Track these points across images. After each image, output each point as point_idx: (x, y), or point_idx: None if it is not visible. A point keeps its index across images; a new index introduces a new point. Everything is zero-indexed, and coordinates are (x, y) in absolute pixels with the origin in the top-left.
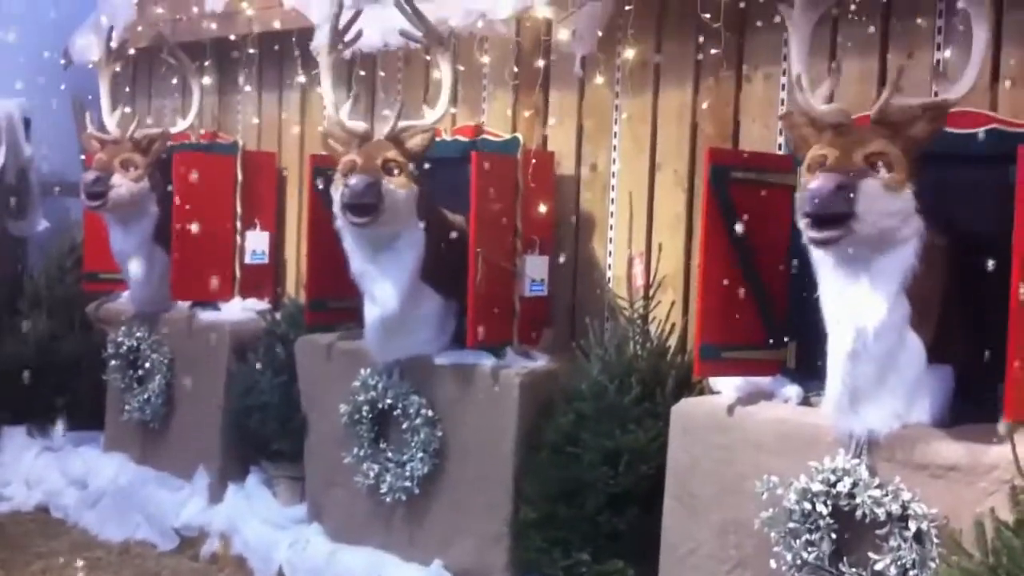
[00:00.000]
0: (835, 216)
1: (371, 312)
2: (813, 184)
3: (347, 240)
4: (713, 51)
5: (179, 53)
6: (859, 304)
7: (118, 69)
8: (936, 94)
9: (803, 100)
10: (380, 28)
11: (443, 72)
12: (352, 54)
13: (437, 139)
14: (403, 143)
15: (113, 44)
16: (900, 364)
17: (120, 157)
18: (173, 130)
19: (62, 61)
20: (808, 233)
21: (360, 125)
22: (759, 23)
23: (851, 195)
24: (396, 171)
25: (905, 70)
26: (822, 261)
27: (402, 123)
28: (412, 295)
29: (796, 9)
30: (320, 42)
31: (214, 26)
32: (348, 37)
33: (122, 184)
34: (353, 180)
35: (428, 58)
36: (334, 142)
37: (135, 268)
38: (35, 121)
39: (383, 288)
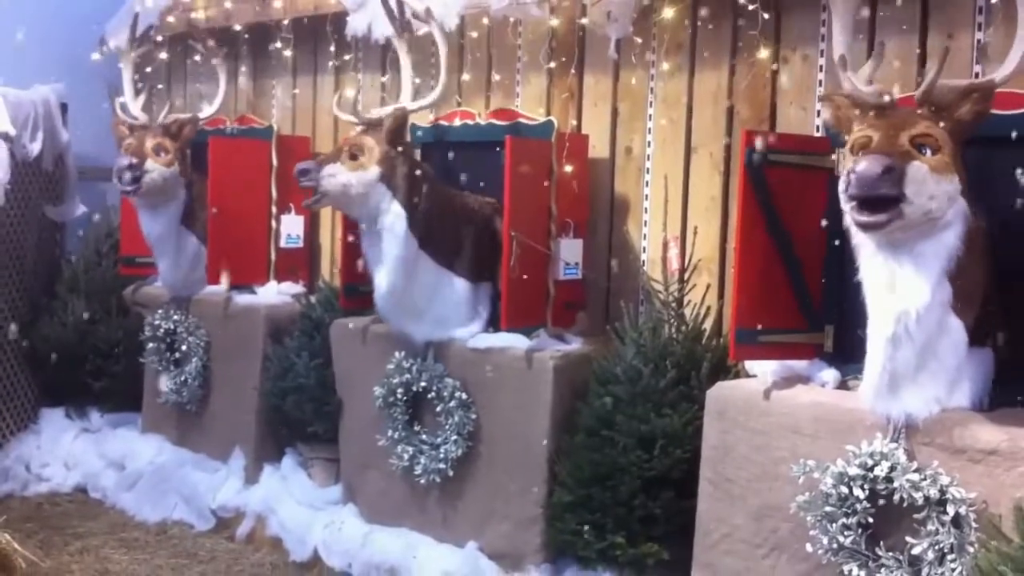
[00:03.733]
0: (882, 198)
1: (376, 295)
2: (860, 166)
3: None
4: (750, 32)
5: (206, 39)
6: (902, 288)
7: (140, 56)
8: (977, 75)
9: (847, 81)
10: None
11: (401, 61)
12: (385, 38)
13: (471, 123)
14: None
15: (138, 31)
16: (941, 348)
17: (152, 142)
18: (201, 115)
19: (98, 47)
20: (855, 217)
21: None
22: (796, 3)
23: (899, 178)
24: (358, 155)
25: (949, 51)
26: (863, 244)
27: (381, 110)
28: (406, 273)
29: None
30: (387, 31)
31: (248, 11)
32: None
33: (154, 169)
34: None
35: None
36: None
37: (164, 251)
38: (72, 107)
39: (378, 271)
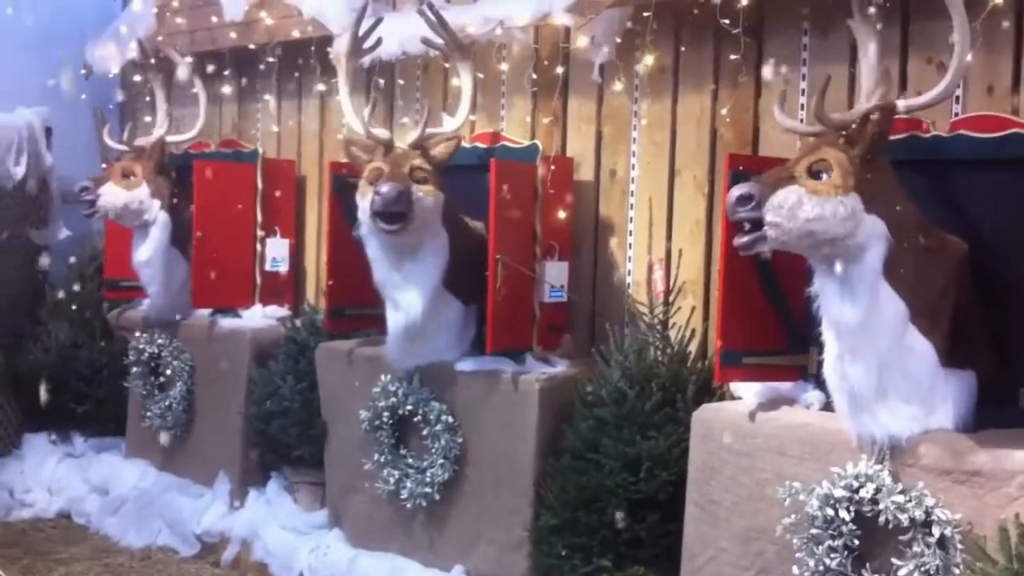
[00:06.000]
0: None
1: (394, 319)
2: (383, 188)
3: (371, 248)
4: (732, 56)
5: (176, 56)
6: (838, 308)
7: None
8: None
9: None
10: (399, 36)
11: (463, 80)
12: (371, 62)
13: None
14: (428, 151)
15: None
16: (908, 367)
17: (121, 166)
18: (171, 139)
19: (83, 71)
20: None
21: (384, 133)
22: (777, 28)
23: (760, 202)
24: (423, 179)
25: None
26: (815, 267)
27: (427, 131)
28: (435, 302)
29: None
30: (339, 50)
31: (233, 35)
32: (367, 44)
33: (112, 192)
34: (384, 188)
35: (447, 66)
36: (357, 150)
37: (151, 276)
38: (56, 130)
39: (407, 295)
